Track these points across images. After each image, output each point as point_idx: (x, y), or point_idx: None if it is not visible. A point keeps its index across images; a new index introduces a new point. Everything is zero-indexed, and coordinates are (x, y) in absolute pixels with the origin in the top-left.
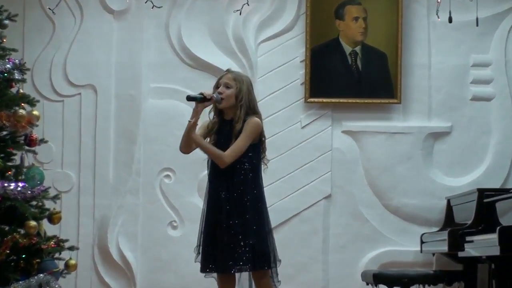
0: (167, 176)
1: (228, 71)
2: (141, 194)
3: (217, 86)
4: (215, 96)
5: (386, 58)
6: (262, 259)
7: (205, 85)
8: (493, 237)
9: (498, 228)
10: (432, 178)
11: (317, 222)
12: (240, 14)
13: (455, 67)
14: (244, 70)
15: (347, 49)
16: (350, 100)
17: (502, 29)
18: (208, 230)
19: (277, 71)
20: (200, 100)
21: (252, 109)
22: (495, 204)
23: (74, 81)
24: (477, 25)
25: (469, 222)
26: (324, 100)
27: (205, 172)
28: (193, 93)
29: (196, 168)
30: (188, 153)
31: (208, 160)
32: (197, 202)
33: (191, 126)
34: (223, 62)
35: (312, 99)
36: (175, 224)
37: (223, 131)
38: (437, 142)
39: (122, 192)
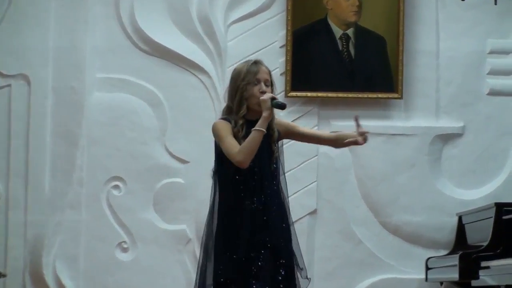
0: (116, 186)
1: (260, 63)
2: (84, 209)
3: (255, 83)
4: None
5: (385, 44)
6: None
7: (163, 75)
8: None
9: None
10: (440, 190)
11: (300, 244)
12: None
13: (469, 54)
14: (211, 57)
15: (337, 32)
16: (340, 95)
17: None
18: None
19: (252, 59)
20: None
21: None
22: None
23: (2, 70)
24: (495, 3)
25: (485, 243)
26: (309, 94)
27: (161, 183)
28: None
29: (150, 177)
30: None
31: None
32: (152, 219)
33: (262, 136)
34: (185, 47)
35: (294, 93)
36: (125, 246)
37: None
38: (446, 145)
39: (60, 206)
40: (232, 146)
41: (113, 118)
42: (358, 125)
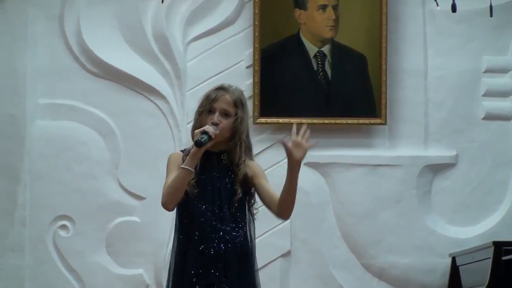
0: (63, 226)
1: (225, 89)
2: (27, 252)
3: (209, 110)
4: (213, 130)
5: (366, 62)
6: None
7: (115, 100)
8: None
9: None
10: (431, 227)
11: None
12: (163, 1)
13: (461, 73)
14: (169, 80)
15: (312, 49)
16: (315, 121)
17: None
18: None
19: (214, 81)
20: (208, 141)
21: (247, 144)
22: None
23: None
24: (491, 15)
25: None
26: (280, 120)
27: (115, 222)
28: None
29: (102, 215)
30: (173, 209)
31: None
32: (105, 263)
33: (189, 175)
34: (140, 68)
35: (263, 119)
36: None
37: (208, 167)
38: (437, 177)
39: (0, 249)
40: (166, 185)
41: (58, 149)
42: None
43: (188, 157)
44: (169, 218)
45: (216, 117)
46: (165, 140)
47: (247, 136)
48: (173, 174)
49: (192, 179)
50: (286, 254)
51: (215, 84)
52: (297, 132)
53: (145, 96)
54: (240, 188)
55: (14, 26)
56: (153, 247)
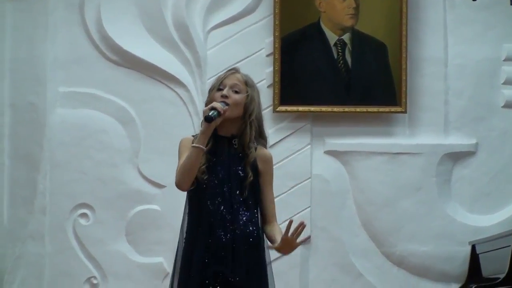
0: (83, 215)
1: (235, 69)
2: (48, 240)
3: (218, 89)
4: (221, 106)
5: (386, 51)
6: None
7: (135, 88)
8: None
9: None
10: (451, 215)
11: (292, 278)
12: None
13: (481, 62)
14: (189, 68)
15: (332, 37)
16: (336, 109)
17: None
18: None
19: None
20: (217, 117)
21: (260, 132)
22: None
23: None
24: (510, 3)
25: (502, 276)
26: (300, 108)
27: (135, 210)
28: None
29: (122, 204)
30: (188, 190)
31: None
32: (125, 251)
33: (200, 153)
34: (160, 57)
35: (283, 108)
36: (94, 282)
37: (220, 152)
38: (456, 165)
39: (21, 237)
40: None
41: (78, 138)
42: (288, 231)
43: (198, 135)
44: None
45: (225, 90)
46: (185, 128)
47: (260, 122)
48: (185, 156)
49: (203, 164)
50: (307, 243)
51: None
52: (290, 230)
53: (165, 84)
54: (251, 172)
55: (34, 15)
56: (173, 235)
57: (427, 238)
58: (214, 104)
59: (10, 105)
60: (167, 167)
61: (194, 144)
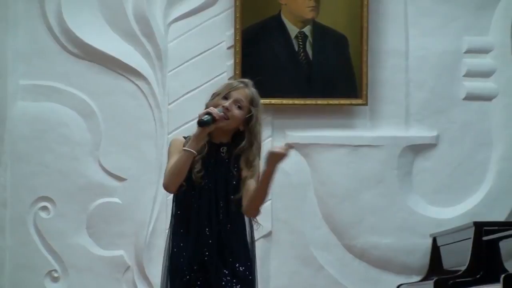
0: (44, 208)
1: (246, 84)
2: (8, 234)
3: (224, 97)
4: (218, 112)
5: (347, 43)
6: None
7: (96, 81)
8: None
9: (502, 276)
10: (412, 208)
11: None
12: None
13: (442, 54)
14: (150, 61)
15: (293, 30)
16: (297, 101)
17: (506, 1)
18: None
19: (196, 62)
20: (211, 123)
21: (259, 148)
22: (499, 243)
23: None
24: None
25: (463, 268)
26: (261, 101)
27: (96, 203)
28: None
29: (83, 197)
30: (175, 192)
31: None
32: (86, 244)
33: (191, 158)
34: (121, 49)
35: None
36: (55, 275)
37: (210, 158)
38: (418, 158)
39: None
40: (167, 168)
41: (39, 131)
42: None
43: (191, 139)
44: (150, 199)
45: (228, 103)
46: (146, 121)
47: (260, 138)
48: (175, 157)
49: (199, 171)
50: (267, 235)
51: (196, 65)
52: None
53: (126, 77)
54: (236, 172)
55: None
56: (134, 228)
57: (388, 231)
58: (211, 109)
59: None
60: (128, 160)
61: (185, 148)
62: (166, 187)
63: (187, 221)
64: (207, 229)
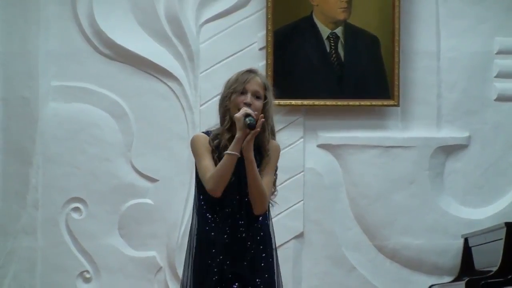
0: (76, 209)
1: (254, 72)
2: (40, 235)
3: (241, 92)
4: (251, 111)
5: (378, 44)
6: None
7: (128, 82)
8: None
9: None
10: (443, 209)
11: (285, 271)
12: None
13: (474, 55)
14: (182, 62)
15: (325, 31)
16: (328, 102)
17: None
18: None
19: (227, 63)
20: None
21: (273, 130)
22: None
23: None
24: None
25: (495, 269)
26: (293, 102)
27: (128, 204)
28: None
29: (115, 198)
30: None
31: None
32: (118, 245)
33: (235, 161)
34: (152, 51)
35: (276, 101)
36: (87, 276)
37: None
38: (449, 159)
39: (13, 231)
40: (206, 170)
41: (71, 132)
42: None
43: (234, 142)
44: (182, 199)
45: (249, 97)
46: (178, 122)
47: (273, 121)
48: (207, 156)
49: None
50: (299, 236)
51: (228, 66)
52: None
53: (158, 78)
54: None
55: (27, 9)
56: (165, 229)
57: (419, 231)
58: (248, 111)
59: (2, 99)
60: (160, 161)
61: (229, 151)
62: (213, 192)
63: (213, 221)
64: (229, 235)
